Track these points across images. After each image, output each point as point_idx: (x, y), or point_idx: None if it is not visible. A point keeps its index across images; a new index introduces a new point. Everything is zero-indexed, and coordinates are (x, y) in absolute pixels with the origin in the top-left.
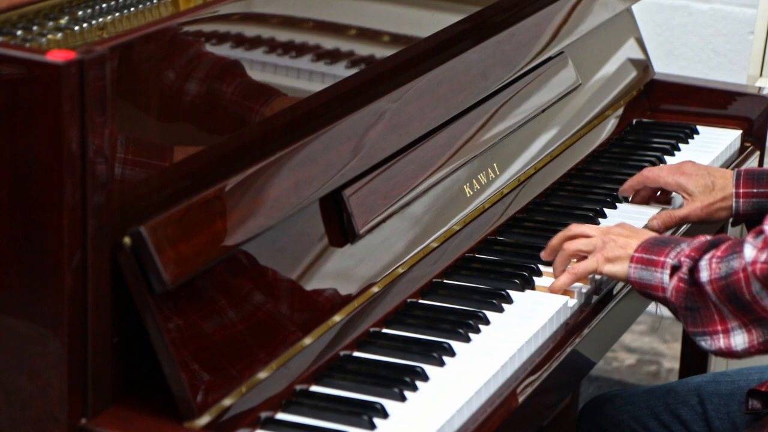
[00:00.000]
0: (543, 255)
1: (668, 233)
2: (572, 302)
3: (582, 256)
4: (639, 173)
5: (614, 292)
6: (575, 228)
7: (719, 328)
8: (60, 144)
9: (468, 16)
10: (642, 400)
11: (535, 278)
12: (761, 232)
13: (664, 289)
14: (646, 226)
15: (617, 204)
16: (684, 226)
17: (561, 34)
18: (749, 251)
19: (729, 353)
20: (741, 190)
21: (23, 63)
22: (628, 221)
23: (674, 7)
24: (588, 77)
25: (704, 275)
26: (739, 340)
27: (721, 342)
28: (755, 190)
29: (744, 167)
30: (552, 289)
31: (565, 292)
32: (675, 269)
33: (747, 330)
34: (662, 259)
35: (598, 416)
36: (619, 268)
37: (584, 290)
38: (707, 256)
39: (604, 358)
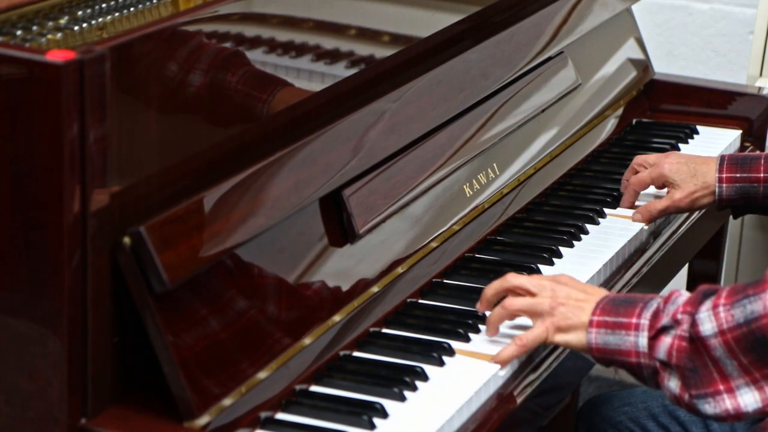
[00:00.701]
0: (479, 307)
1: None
2: None
3: (519, 315)
4: (628, 185)
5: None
6: (513, 279)
7: (721, 387)
8: (60, 144)
9: (468, 16)
10: (640, 400)
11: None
12: None
13: (639, 354)
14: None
15: (617, 204)
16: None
17: (561, 34)
18: None
19: (737, 416)
20: (724, 175)
21: (23, 63)
22: (629, 219)
23: (674, 7)
24: (588, 77)
25: (707, 328)
26: (749, 399)
27: (727, 403)
28: (738, 175)
29: (727, 153)
30: (497, 360)
31: None
32: (666, 329)
33: (758, 387)
34: (633, 320)
35: (596, 417)
36: (573, 338)
37: None
38: (705, 308)
39: None
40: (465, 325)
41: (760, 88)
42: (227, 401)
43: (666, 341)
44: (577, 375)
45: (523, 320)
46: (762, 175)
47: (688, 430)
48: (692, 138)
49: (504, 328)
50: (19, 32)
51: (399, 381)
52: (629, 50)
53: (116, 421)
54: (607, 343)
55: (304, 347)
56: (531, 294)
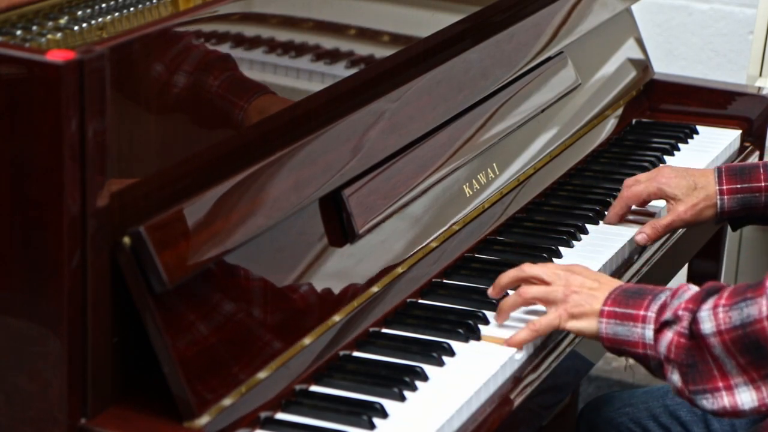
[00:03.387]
0: (491, 293)
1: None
2: None
3: (534, 303)
4: (619, 197)
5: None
6: (529, 269)
7: (720, 384)
8: (60, 144)
9: (468, 16)
10: (641, 401)
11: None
12: None
13: (646, 345)
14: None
15: None
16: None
17: (561, 34)
18: None
19: (734, 413)
20: (724, 187)
21: (23, 63)
22: (625, 224)
23: (674, 7)
24: (588, 77)
25: (707, 327)
26: (746, 398)
27: (725, 400)
28: (738, 186)
29: (724, 164)
30: (510, 344)
31: None
32: (668, 324)
33: (755, 387)
34: (642, 312)
35: (597, 418)
36: (586, 325)
37: None
38: (707, 306)
39: (603, 358)
40: (465, 325)
41: (760, 88)
42: (227, 401)
43: (667, 336)
44: (577, 375)
45: (516, 323)
46: (763, 184)
47: (689, 430)
48: (692, 138)
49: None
50: (19, 32)
51: (399, 381)
52: (629, 50)
53: (116, 421)
54: (617, 334)
55: (304, 347)
56: (545, 283)
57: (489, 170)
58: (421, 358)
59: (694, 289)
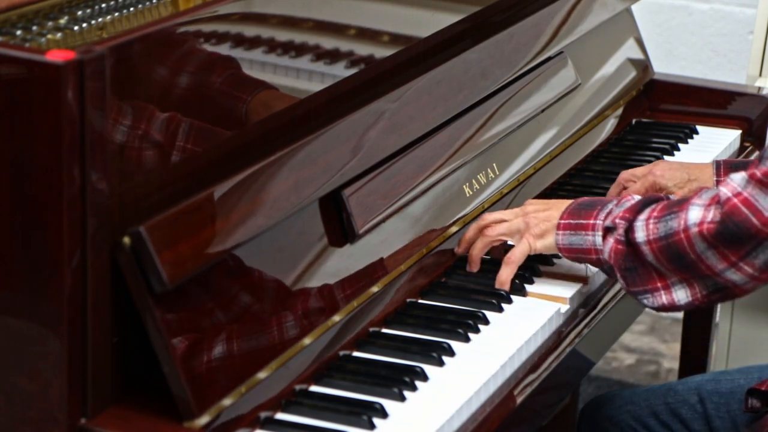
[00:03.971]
0: (457, 250)
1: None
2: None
3: (500, 240)
4: (614, 188)
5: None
6: (489, 216)
7: (659, 284)
8: (59, 143)
9: (468, 16)
10: (642, 399)
11: (534, 278)
12: (707, 191)
13: (597, 251)
14: None
15: None
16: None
17: (560, 34)
18: (695, 212)
19: (672, 308)
20: (723, 178)
21: (23, 63)
22: None
23: (674, 7)
24: (588, 77)
25: (640, 236)
26: (681, 294)
27: (663, 298)
28: None
29: (726, 154)
30: (499, 283)
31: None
32: (609, 231)
33: (689, 284)
34: (591, 221)
35: (599, 416)
36: (550, 240)
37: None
38: (642, 217)
39: (603, 358)
40: (465, 324)
41: (759, 88)
42: (227, 401)
43: (609, 242)
44: (577, 375)
45: (523, 318)
46: None
47: (690, 429)
48: (692, 138)
49: (499, 325)
50: (19, 32)
51: (399, 381)
52: (629, 50)
53: (116, 421)
54: (572, 243)
55: (304, 347)
56: (504, 221)
57: (489, 170)
58: (421, 358)
59: (636, 198)
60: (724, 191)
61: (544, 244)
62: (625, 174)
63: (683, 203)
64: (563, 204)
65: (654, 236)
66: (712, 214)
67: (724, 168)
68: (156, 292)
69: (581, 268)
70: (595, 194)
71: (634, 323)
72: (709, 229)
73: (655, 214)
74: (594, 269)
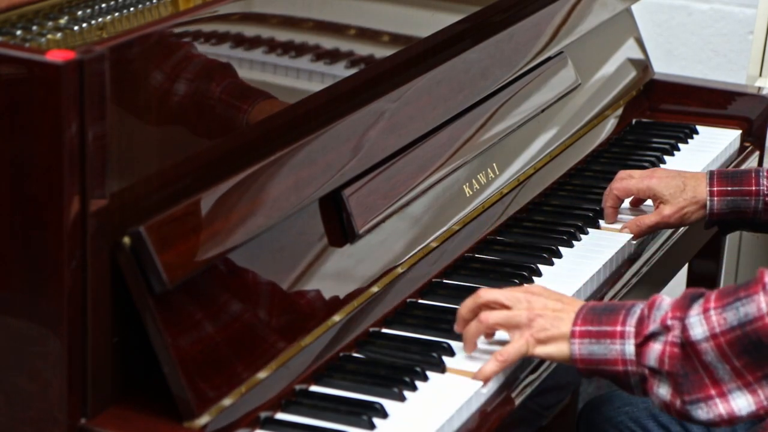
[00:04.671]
0: (456, 328)
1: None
2: None
3: (496, 329)
4: (609, 190)
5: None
6: (486, 294)
7: (713, 392)
8: (59, 144)
9: (468, 16)
10: (641, 400)
11: (534, 278)
12: None
13: (626, 362)
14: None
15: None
16: (678, 232)
17: (560, 34)
18: None
19: (730, 420)
20: (715, 189)
21: (23, 63)
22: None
23: (674, 7)
24: (588, 77)
25: (698, 332)
26: (742, 402)
27: (720, 408)
28: (729, 188)
29: (717, 168)
30: (478, 378)
31: None
32: (654, 336)
33: (751, 391)
34: (618, 328)
35: (597, 417)
36: (555, 349)
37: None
38: (695, 312)
39: None
40: None
41: (759, 88)
42: (227, 401)
43: (656, 348)
44: (577, 375)
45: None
46: (753, 188)
47: (688, 431)
48: (692, 138)
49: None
50: (19, 32)
51: (399, 381)
52: (629, 50)
53: (116, 421)
54: (592, 353)
55: (303, 347)
56: (506, 307)
57: (489, 170)
58: (421, 358)
59: (670, 299)
60: None
61: (547, 351)
62: (621, 173)
63: (752, 286)
64: (575, 304)
65: (723, 328)
66: None
67: (717, 178)
68: (156, 292)
69: (580, 270)
70: (596, 194)
71: None
72: None
73: (712, 305)
74: (592, 272)
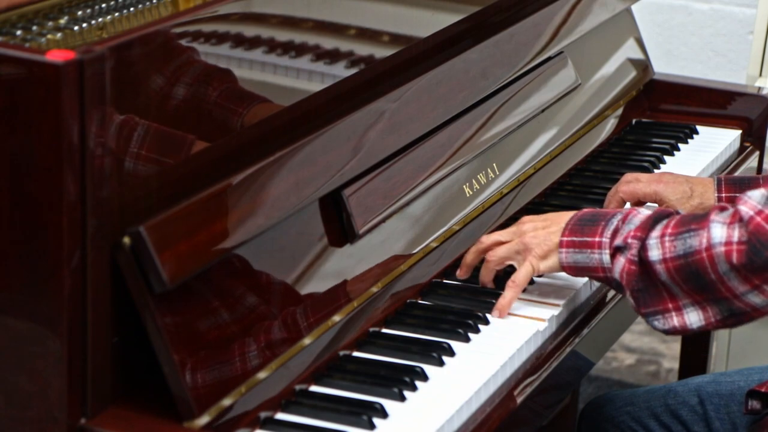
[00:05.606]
0: (459, 274)
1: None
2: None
3: (504, 265)
4: (614, 191)
5: (606, 298)
6: (486, 239)
7: (670, 306)
8: (59, 143)
9: (468, 16)
10: (642, 400)
11: (535, 278)
12: (724, 208)
13: (605, 270)
14: None
15: None
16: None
17: (560, 34)
18: (718, 230)
19: (683, 331)
20: (723, 195)
21: (23, 63)
22: None
23: (674, 7)
24: (588, 77)
25: (655, 254)
26: (694, 318)
27: (674, 320)
28: (738, 195)
29: (723, 174)
30: (500, 308)
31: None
32: (620, 250)
33: (701, 308)
34: (597, 239)
35: (598, 417)
36: (553, 260)
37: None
38: (655, 234)
39: (603, 358)
40: (465, 324)
41: (759, 88)
42: (227, 401)
43: (620, 261)
44: (577, 375)
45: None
46: None
47: (690, 430)
48: (692, 138)
49: (499, 325)
50: (19, 32)
51: (399, 381)
52: (629, 50)
53: (116, 421)
54: (577, 262)
55: (303, 347)
56: (503, 243)
57: (489, 170)
58: (421, 358)
59: (643, 212)
60: (745, 209)
61: (548, 264)
62: (628, 176)
63: (701, 220)
64: (562, 218)
65: (671, 254)
66: (738, 233)
67: (725, 184)
68: (156, 292)
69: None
70: (596, 194)
71: (634, 323)
72: (739, 251)
73: (669, 231)
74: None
